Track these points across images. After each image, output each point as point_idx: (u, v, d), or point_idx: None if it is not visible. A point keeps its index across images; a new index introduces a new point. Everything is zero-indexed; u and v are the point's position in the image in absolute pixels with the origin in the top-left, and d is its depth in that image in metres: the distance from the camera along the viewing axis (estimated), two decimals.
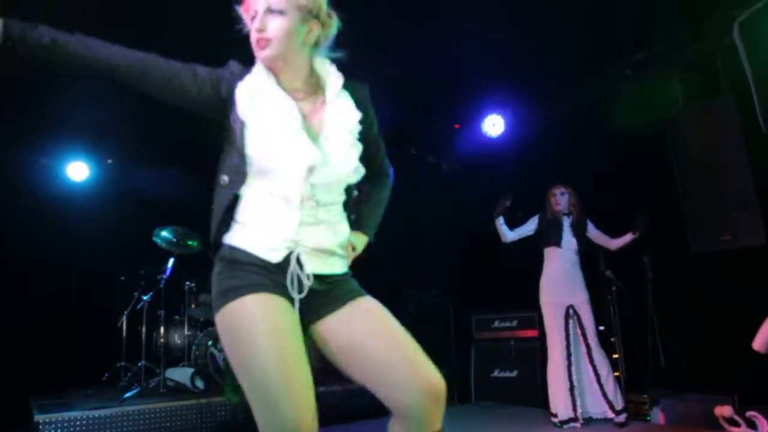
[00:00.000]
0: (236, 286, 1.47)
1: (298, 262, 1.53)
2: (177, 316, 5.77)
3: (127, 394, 4.64)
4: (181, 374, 5.15)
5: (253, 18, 1.54)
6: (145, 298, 5.47)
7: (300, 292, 1.52)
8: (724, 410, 4.01)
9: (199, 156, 6.16)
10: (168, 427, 4.32)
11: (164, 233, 5.50)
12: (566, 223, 4.54)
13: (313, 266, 1.56)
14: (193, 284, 5.77)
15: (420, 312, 5.94)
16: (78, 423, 4.01)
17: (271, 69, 1.58)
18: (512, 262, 5.27)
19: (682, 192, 4.50)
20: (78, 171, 6.14)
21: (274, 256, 1.52)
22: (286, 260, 1.53)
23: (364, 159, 1.66)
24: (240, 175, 1.56)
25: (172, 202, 5.96)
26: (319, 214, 1.57)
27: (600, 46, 4.58)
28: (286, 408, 1.34)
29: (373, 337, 1.54)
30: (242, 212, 1.58)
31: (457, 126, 6.22)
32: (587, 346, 4.30)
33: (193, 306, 5.73)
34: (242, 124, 1.53)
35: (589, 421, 4.31)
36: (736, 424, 3.95)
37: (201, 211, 6.56)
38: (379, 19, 3.92)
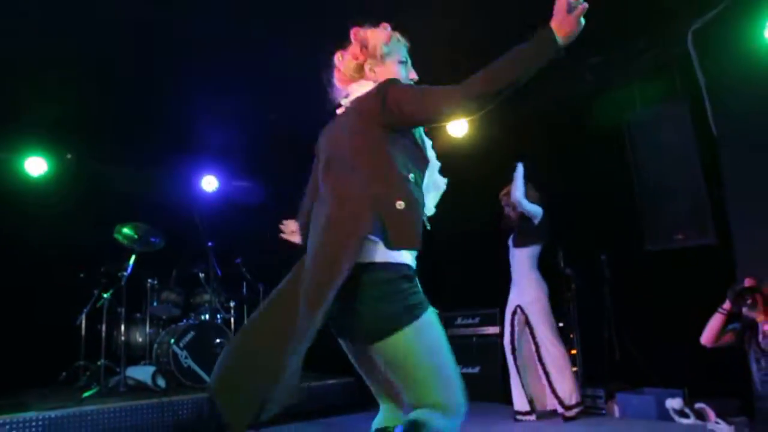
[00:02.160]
0: (421, 301, 1.71)
1: None
2: (138, 314, 5.68)
3: (86, 394, 4.56)
4: (142, 373, 5.08)
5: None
6: (105, 295, 5.37)
7: None
8: (674, 403, 4.17)
9: (161, 152, 6.12)
10: (129, 427, 4.26)
11: (126, 230, 5.41)
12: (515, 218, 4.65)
13: None
14: (156, 282, 5.69)
15: None
16: (35, 424, 3.91)
17: None
18: (475, 261, 5.35)
19: (639, 192, 4.65)
20: (36, 166, 5.97)
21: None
22: None
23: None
24: (421, 178, 1.83)
25: (134, 198, 5.87)
26: None
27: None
28: (459, 382, 1.72)
29: None
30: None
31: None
32: (536, 344, 4.40)
33: (155, 304, 5.66)
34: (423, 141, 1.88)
35: (548, 414, 4.43)
36: (686, 416, 4.11)
37: (163, 208, 6.49)
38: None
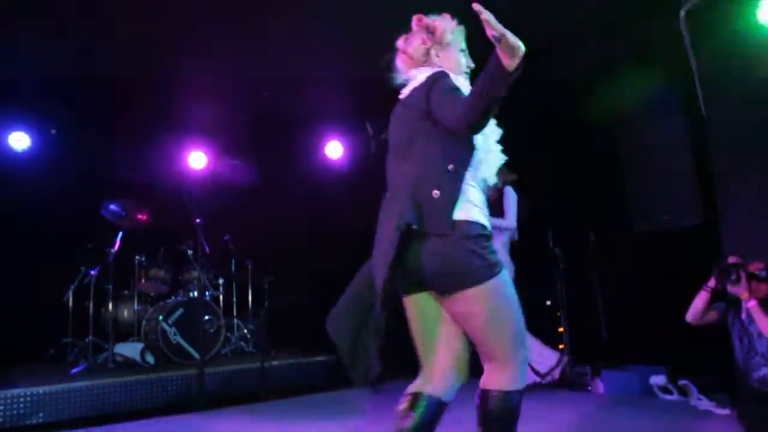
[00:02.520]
0: (497, 261, 1.85)
1: None
2: (126, 291, 5.65)
3: (75, 370, 4.56)
4: (130, 349, 5.08)
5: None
6: (92, 272, 5.33)
7: None
8: (658, 379, 4.26)
9: (149, 127, 6.04)
10: (118, 403, 4.26)
11: (112, 206, 5.36)
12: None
13: None
14: (143, 259, 5.66)
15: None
16: (23, 400, 3.91)
17: None
18: None
19: (627, 174, 4.68)
20: (19, 141, 5.86)
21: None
22: None
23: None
24: (464, 165, 1.91)
25: (121, 174, 5.79)
26: None
27: (551, 31, 4.67)
28: (524, 339, 1.91)
29: None
30: (471, 195, 1.89)
31: None
32: None
33: (143, 281, 5.63)
34: None
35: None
36: (670, 392, 4.20)
37: (151, 184, 6.42)
38: None
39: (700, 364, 4.09)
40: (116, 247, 5.25)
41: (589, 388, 4.59)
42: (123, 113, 5.80)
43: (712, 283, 3.21)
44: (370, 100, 6.20)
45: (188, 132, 6.28)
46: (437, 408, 1.92)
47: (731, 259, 3.13)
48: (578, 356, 4.80)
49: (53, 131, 6.04)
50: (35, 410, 3.93)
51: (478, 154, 1.97)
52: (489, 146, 2.03)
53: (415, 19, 2.12)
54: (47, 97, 5.39)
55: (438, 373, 1.95)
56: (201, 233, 5.23)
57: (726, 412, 3.65)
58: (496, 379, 1.87)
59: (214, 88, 5.55)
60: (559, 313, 4.74)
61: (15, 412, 3.86)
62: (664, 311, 4.15)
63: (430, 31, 2.08)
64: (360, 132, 6.74)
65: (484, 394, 1.87)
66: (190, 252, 5.89)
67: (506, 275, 1.87)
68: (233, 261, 6.45)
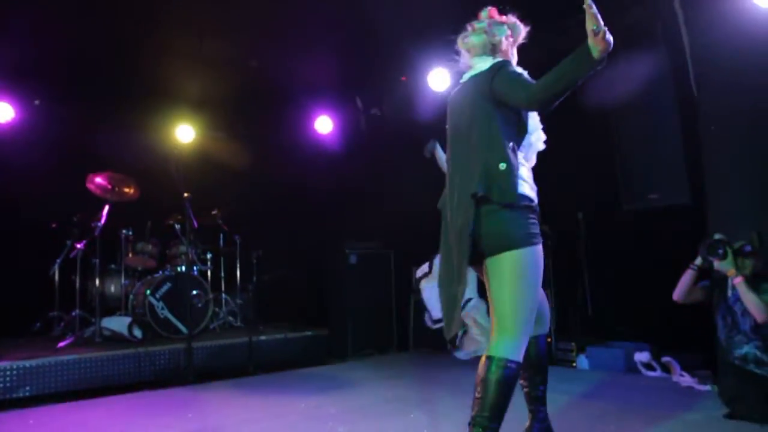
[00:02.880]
0: (536, 233, 2.15)
1: None
2: (113, 265, 5.62)
3: (62, 344, 4.55)
4: (117, 323, 5.07)
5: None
6: (78, 246, 5.29)
7: None
8: (642, 356, 4.32)
9: (136, 99, 5.94)
10: (106, 376, 4.27)
11: (98, 180, 5.30)
12: None
13: None
14: (131, 233, 5.62)
15: (362, 263, 6.02)
16: (9, 373, 3.90)
17: None
18: None
19: (617, 152, 4.67)
20: (2, 112, 5.74)
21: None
22: None
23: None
24: (519, 145, 2.23)
25: (107, 147, 5.71)
26: None
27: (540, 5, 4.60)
28: (533, 315, 2.17)
29: None
30: (523, 172, 2.18)
31: (403, 78, 6.18)
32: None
33: (130, 255, 5.60)
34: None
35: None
36: (653, 369, 4.27)
37: (137, 158, 6.32)
38: None
39: (684, 341, 4.15)
40: (103, 220, 5.20)
41: (575, 364, 4.66)
42: (110, 84, 5.69)
43: (698, 261, 3.24)
44: (361, 74, 6.17)
45: (176, 105, 6.19)
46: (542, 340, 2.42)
47: (717, 236, 3.15)
48: (564, 333, 4.85)
49: (37, 102, 5.91)
50: (21, 384, 3.93)
51: (529, 137, 2.28)
52: (537, 132, 2.34)
53: (488, 11, 2.41)
54: (31, 68, 5.27)
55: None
56: (189, 207, 5.19)
57: (707, 388, 3.72)
58: (501, 347, 2.08)
59: (201, 61, 5.46)
60: (546, 291, 4.77)
61: (1, 385, 3.86)
62: (648, 290, 4.19)
63: (499, 25, 2.37)
64: (350, 107, 6.69)
65: (488, 360, 2.07)
66: (177, 226, 5.86)
67: (540, 249, 2.14)
68: (221, 235, 6.43)
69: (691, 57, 3.96)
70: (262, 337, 5.21)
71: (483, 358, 2.10)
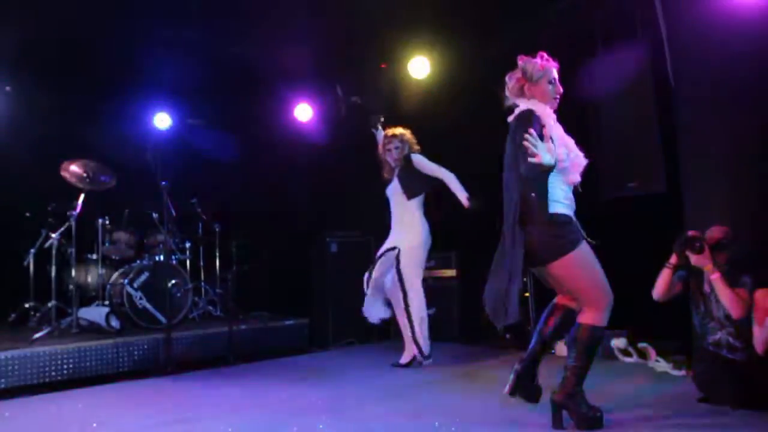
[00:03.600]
0: (576, 238, 2.69)
1: None
2: (90, 255, 5.54)
3: (38, 335, 4.47)
4: (95, 314, 5.00)
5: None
6: (53, 235, 5.19)
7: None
8: (619, 342, 4.39)
9: (112, 86, 5.82)
10: (84, 367, 4.22)
11: (73, 167, 5.19)
12: (396, 170, 4.70)
13: None
14: (107, 221, 5.53)
15: (342, 252, 6.01)
16: None
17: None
18: (431, 206, 5.38)
19: (596, 140, 4.70)
20: None
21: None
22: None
23: None
24: (549, 174, 2.63)
25: (82, 134, 5.59)
26: None
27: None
28: (607, 288, 2.79)
29: None
30: (556, 194, 2.69)
31: (383, 66, 6.15)
32: (404, 292, 4.47)
33: (107, 244, 5.52)
34: (551, 139, 2.63)
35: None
36: (629, 355, 4.34)
37: (113, 145, 6.20)
38: None
39: (660, 328, 4.22)
40: (78, 209, 5.11)
41: (553, 351, 4.71)
42: (85, 71, 5.57)
43: (673, 259, 3.24)
44: (341, 61, 6.11)
45: (153, 92, 6.08)
46: (573, 314, 2.82)
47: (690, 233, 3.17)
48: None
49: (8, 89, 5.75)
50: None
51: (563, 164, 2.68)
52: (572, 156, 2.76)
53: (520, 60, 2.85)
54: (2, 54, 5.13)
55: (568, 298, 2.88)
56: (167, 195, 5.12)
57: (682, 373, 3.80)
58: (588, 317, 2.71)
59: (179, 47, 5.36)
60: (525, 279, 4.81)
61: None
62: (625, 277, 4.24)
63: (524, 71, 2.82)
64: (330, 94, 6.63)
65: (579, 326, 2.70)
66: (155, 215, 5.78)
67: (585, 246, 2.68)
68: (200, 224, 6.37)
69: (668, 47, 3.99)
70: (243, 327, 5.20)
71: (576, 324, 2.71)
